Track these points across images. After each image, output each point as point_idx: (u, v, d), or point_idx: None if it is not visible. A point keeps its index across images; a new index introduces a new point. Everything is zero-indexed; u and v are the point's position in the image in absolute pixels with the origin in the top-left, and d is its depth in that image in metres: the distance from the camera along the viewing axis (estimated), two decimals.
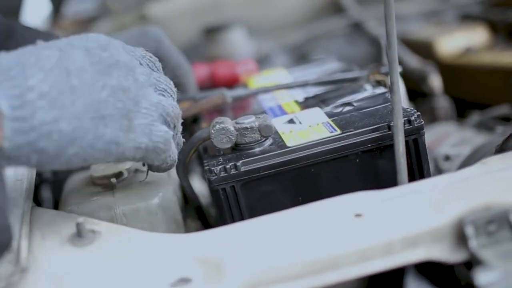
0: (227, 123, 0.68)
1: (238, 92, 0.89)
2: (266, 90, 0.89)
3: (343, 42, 1.53)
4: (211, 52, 1.37)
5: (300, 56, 1.48)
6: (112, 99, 0.56)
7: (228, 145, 0.68)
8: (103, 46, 0.59)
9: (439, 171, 0.96)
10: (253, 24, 1.58)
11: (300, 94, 0.85)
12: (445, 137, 1.05)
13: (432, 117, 1.20)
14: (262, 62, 1.37)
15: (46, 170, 0.55)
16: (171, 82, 0.66)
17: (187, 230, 0.75)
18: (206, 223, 0.79)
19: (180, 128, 0.67)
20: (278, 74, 1.00)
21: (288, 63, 1.43)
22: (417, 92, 1.22)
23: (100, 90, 0.56)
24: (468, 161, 0.91)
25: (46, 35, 0.82)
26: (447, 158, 0.96)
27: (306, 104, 0.81)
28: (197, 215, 0.78)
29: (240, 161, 0.65)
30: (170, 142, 0.64)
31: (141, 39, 0.86)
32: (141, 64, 0.64)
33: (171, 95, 0.65)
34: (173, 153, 0.65)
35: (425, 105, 1.22)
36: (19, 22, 0.83)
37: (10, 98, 0.51)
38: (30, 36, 0.80)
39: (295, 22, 1.69)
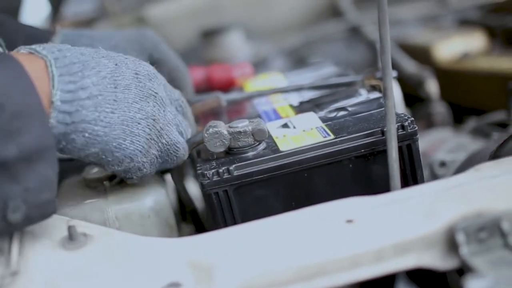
0: (220, 127, 0.68)
1: (233, 95, 0.89)
2: (261, 93, 0.89)
3: (341, 46, 1.53)
4: (209, 55, 1.37)
5: (298, 59, 1.48)
6: (144, 122, 0.64)
7: (222, 149, 0.68)
8: (150, 76, 0.66)
9: (434, 177, 0.96)
10: (251, 27, 1.58)
11: (295, 98, 0.85)
12: (441, 143, 1.04)
13: (429, 123, 1.20)
14: (260, 65, 1.37)
15: (62, 155, 0.61)
16: (189, 128, 0.73)
17: (181, 234, 0.75)
18: (200, 227, 0.78)
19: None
20: (274, 78, 1.00)
21: (286, 67, 1.43)
22: (414, 96, 1.23)
23: (137, 111, 0.63)
24: (463, 167, 0.91)
25: (42, 32, 0.83)
26: (443, 164, 0.96)
27: (300, 108, 0.81)
28: (192, 219, 0.78)
29: (233, 165, 0.65)
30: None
31: (139, 39, 0.86)
32: (171, 104, 0.70)
33: (187, 136, 0.72)
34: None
35: (421, 110, 1.22)
36: (8, 17, 0.84)
37: (64, 91, 0.58)
38: (21, 29, 0.80)
39: (293, 26, 1.69)
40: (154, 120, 0.65)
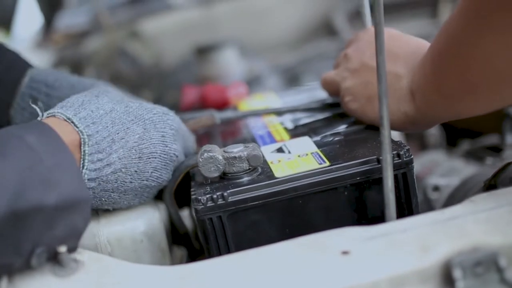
0: (215, 151, 0.67)
1: (227, 114, 0.88)
2: (255, 113, 0.88)
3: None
4: (203, 72, 1.37)
5: (292, 77, 1.48)
6: (156, 188, 0.70)
7: (216, 174, 0.67)
8: (175, 135, 0.70)
9: (427, 201, 0.96)
10: (245, 43, 1.58)
11: (290, 121, 0.85)
12: (434, 166, 1.05)
13: (422, 144, 1.20)
14: (253, 82, 1.37)
15: None
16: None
17: (173, 257, 0.74)
18: (192, 251, 0.78)
19: None
20: (268, 99, 1.00)
21: (279, 85, 1.43)
22: None
23: (154, 179, 0.68)
24: (457, 193, 0.91)
25: (22, 62, 0.84)
26: (436, 188, 0.96)
27: (295, 132, 0.80)
28: (183, 242, 0.77)
29: (228, 191, 0.64)
30: None
31: (90, 87, 0.83)
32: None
33: None
34: None
35: (415, 132, 1.22)
36: None
37: (92, 170, 0.63)
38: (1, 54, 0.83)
39: (287, 43, 1.69)
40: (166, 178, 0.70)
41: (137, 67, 1.58)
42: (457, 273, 0.51)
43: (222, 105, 1.00)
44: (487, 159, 1.02)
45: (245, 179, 0.67)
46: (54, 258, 0.57)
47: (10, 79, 0.82)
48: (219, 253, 0.66)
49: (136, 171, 0.66)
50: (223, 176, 0.68)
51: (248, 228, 0.66)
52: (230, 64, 1.38)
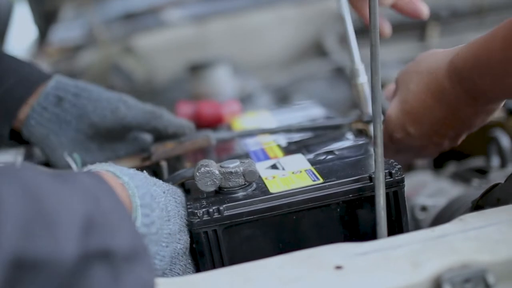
0: (212, 166, 0.69)
1: (223, 134, 0.90)
2: (250, 133, 0.90)
3: (324, 85, 1.56)
4: (195, 89, 1.39)
5: (282, 97, 1.51)
6: (184, 257, 0.67)
7: (212, 189, 0.68)
8: (183, 202, 0.69)
9: (415, 220, 0.98)
10: (237, 61, 1.60)
11: (283, 139, 0.87)
12: (422, 187, 1.07)
13: (410, 166, 1.22)
14: (245, 100, 1.39)
15: None
16: None
17: None
18: None
19: None
20: (261, 117, 1.02)
21: (270, 103, 1.45)
22: None
23: (181, 242, 0.65)
24: (444, 213, 0.93)
25: (37, 73, 0.84)
26: (424, 208, 0.98)
27: (288, 149, 0.82)
28: None
29: (224, 205, 0.66)
30: None
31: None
32: None
33: None
34: None
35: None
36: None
37: (143, 225, 0.59)
38: (14, 68, 0.83)
39: (279, 62, 1.72)
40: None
41: (130, 82, 1.60)
42: None
43: (216, 121, 1.02)
44: (473, 180, 1.04)
45: (241, 194, 0.68)
46: None
47: (32, 80, 0.82)
48: (213, 267, 0.67)
49: (169, 233, 0.63)
50: (219, 191, 0.69)
51: (242, 242, 0.67)
52: (223, 82, 1.40)
